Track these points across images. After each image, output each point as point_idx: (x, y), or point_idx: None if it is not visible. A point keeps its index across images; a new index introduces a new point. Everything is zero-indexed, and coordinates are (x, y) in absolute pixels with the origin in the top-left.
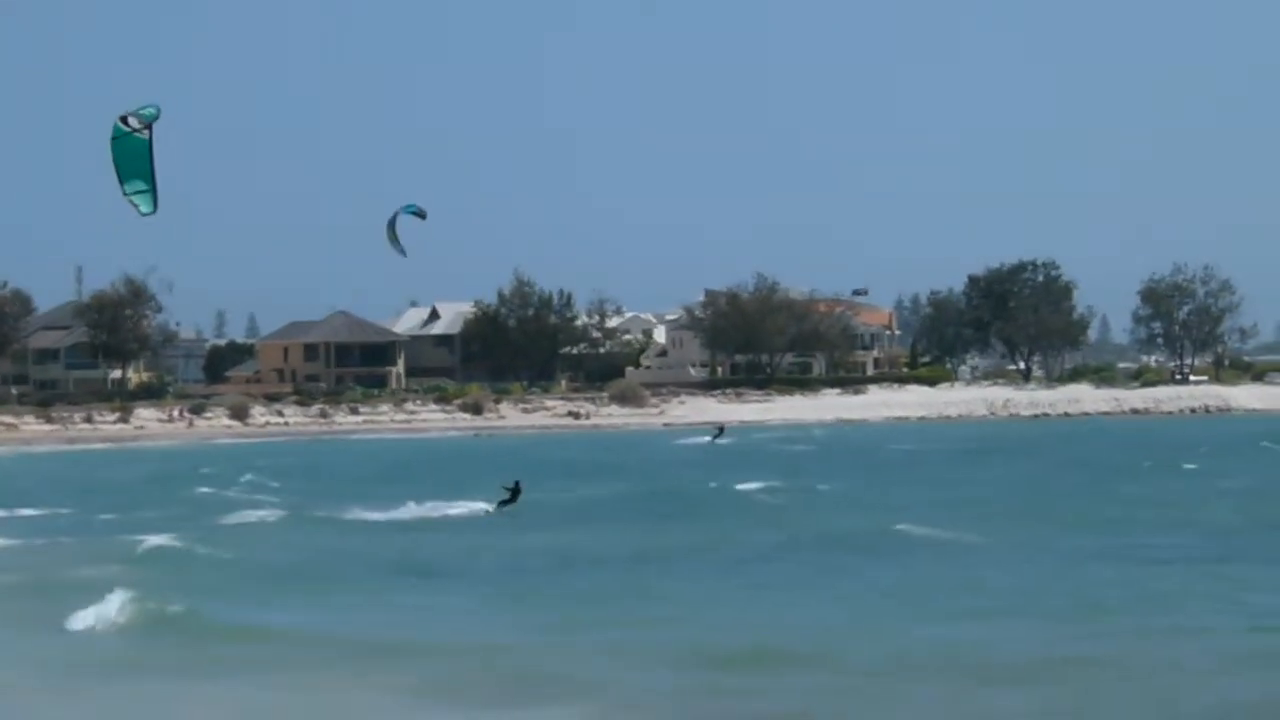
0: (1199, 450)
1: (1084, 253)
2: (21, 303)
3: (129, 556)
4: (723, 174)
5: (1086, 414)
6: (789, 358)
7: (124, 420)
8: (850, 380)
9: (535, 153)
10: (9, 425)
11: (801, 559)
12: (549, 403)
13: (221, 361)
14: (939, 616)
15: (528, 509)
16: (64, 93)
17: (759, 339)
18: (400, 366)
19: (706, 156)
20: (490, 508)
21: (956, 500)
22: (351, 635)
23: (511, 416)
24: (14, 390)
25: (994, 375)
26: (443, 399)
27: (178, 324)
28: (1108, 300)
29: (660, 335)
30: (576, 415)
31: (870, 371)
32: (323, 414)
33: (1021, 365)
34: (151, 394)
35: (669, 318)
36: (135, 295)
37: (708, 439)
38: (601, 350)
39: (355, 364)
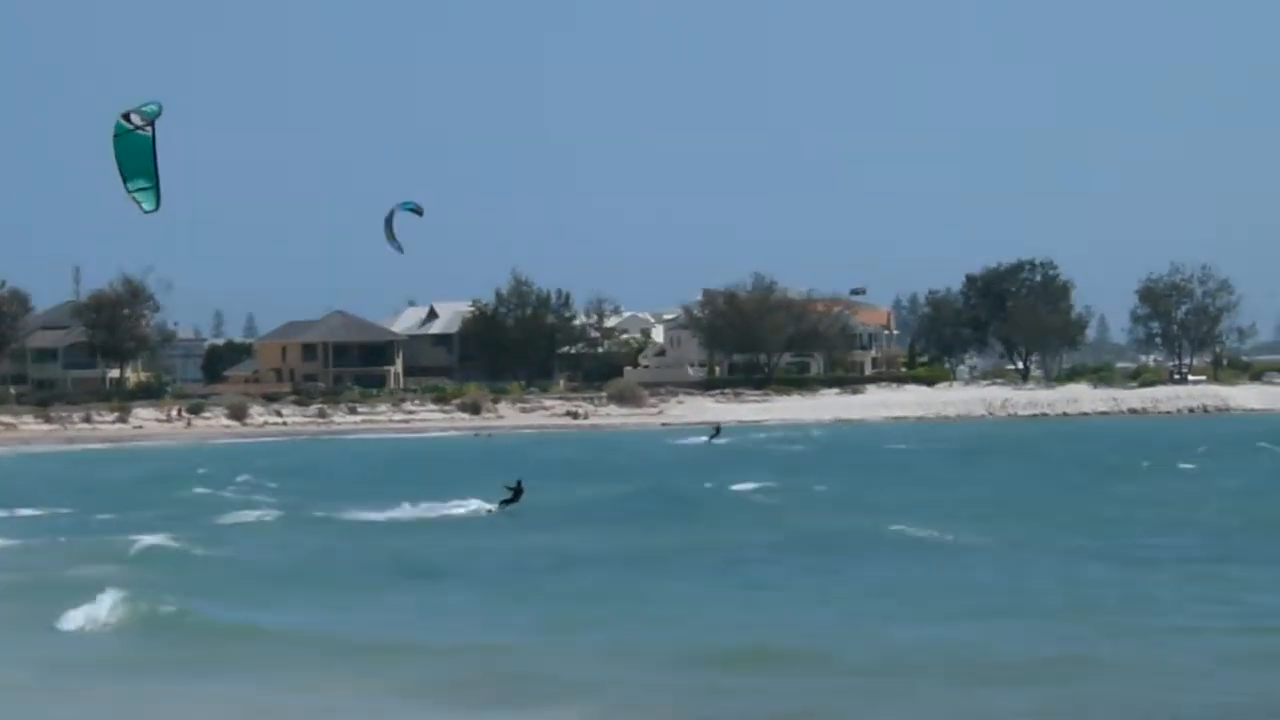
0: (1197, 450)
1: (1082, 252)
2: (20, 302)
3: (124, 556)
4: (722, 174)
5: (1085, 414)
6: (787, 357)
7: (122, 420)
8: (848, 380)
9: (534, 152)
10: (7, 425)
11: (799, 559)
12: (547, 402)
13: (220, 361)
14: (936, 616)
15: (526, 509)
16: (63, 92)
17: (757, 339)
18: (398, 366)
19: (705, 156)
20: (492, 507)
21: (954, 500)
22: (350, 635)
23: (510, 416)
24: (12, 390)
25: (992, 375)
26: (441, 399)
27: (176, 324)
28: (1106, 300)
29: (658, 335)
30: (575, 415)
31: (868, 371)
32: (321, 414)
33: (1020, 365)
34: (150, 394)
35: (667, 317)
36: (133, 295)
37: (704, 439)
38: (599, 350)
39: (353, 364)
